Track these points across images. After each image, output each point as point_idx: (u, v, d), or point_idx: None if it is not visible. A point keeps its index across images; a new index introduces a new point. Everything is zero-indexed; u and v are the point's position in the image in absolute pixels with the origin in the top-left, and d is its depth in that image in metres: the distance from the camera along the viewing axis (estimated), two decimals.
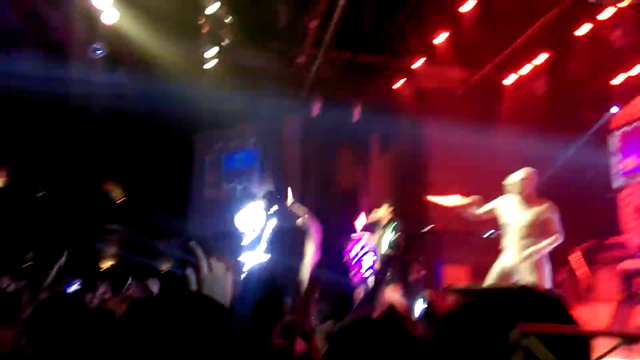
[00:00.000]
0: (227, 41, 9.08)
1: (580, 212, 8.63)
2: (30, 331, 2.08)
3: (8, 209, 12.43)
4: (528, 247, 4.89)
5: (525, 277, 4.84)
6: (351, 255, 7.33)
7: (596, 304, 7.45)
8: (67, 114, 12.21)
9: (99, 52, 8.47)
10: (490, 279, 4.99)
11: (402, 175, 10.43)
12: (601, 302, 7.43)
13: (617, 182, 8.82)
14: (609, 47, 7.83)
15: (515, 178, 5.07)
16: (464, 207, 5.27)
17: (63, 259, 3.35)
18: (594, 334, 3.50)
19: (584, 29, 7.89)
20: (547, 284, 4.89)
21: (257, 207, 7.12)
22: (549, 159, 8.28)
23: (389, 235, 6.59)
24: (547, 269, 4.98)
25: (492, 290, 1.45)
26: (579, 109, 9.20)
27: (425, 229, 8.14)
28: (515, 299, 1.26)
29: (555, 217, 4.93)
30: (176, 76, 10.04)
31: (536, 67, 8.97)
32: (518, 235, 4.98)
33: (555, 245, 4.98)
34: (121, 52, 9.28)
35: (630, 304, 6.93)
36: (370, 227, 7.23)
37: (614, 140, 8.99)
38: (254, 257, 6.90)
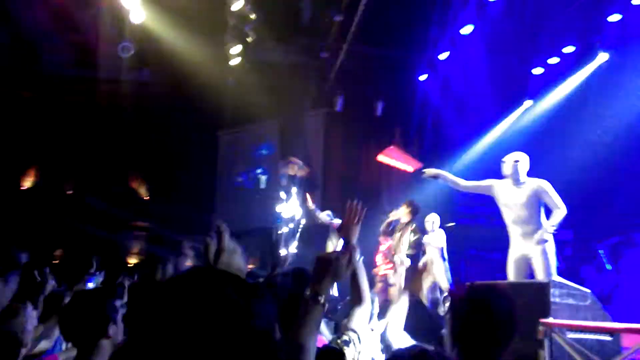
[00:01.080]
0: (251, 38, 9.14)
1: (608, 205, 8.49)
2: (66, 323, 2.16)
3: (37, 207, 12.75)
4: (532, 228, 4.86)
5: (536, 261, 4.78)
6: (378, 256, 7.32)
7: (623, 299, 7.34)
8: (96, 113, 12.46)
9: (127, 50, 8.61)
10: (510, 273, 4.95)
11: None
12: (628, 297, 7.31)
13: None
14: None
15: (508, 160, 5.07)
16: (446, 180, 5.40)
17: (93, 267, 3.44)
18: (622, 331, 3.46)
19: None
20: (553, 265, 4.78)
21: (292, 200, 7.22)
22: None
23: (407, 236, 6.64)
24: (554, 249, 4.87)
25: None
26: None
27: (448, 225, 8.08)
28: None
29: (551, 190, 4.86)
30: (201, 73, 10.15)
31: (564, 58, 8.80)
32: (520, 221, 4.95)
33: (562, 218, 4.85)
34: (148, 51, 9.42)
35: None
36: (388, 232, 7.25)
37: None
38: (289, 250, 7.03)
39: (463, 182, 5.35)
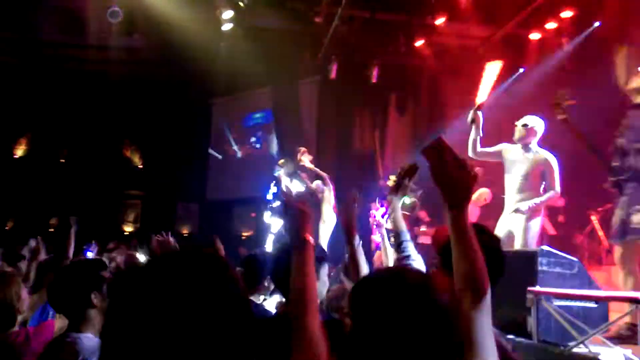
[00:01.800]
0: (243, 3, 8.94)
1: (602, 173, 8.49)
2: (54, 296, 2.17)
3: (30, 175, 12.70)
4: (525, 199, 4.70)
5: (516, 232, 4.68)
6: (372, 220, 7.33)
7: (614, 267, 7.41)
8: (86, 79, 12.29)
9: (116, 15, 8.41)
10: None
11: (420, 137, 10.33)
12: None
13: None
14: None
15: (519, 124, 4.82)
16: (474, 133, 4.91)
17: (73, 227, 3.39)
18: (607, 299, 3.48)
19: None
20: (534, 242, 4.65)
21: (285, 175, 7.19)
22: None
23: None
24: (538, 228, 4.75)
25: None
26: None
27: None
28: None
29: (553, 171, 4.67)
30: (193, 39, 9.96)
31: (561, 23, 8.66)
32: (515, 188, 4.80)
33: (550, 201, 4.78)
34: (138, 16, 9.22)
35: None
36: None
37: None
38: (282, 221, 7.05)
39: (478, 148, 4.94)
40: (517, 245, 4.67)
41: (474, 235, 1.27)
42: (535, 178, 4.73)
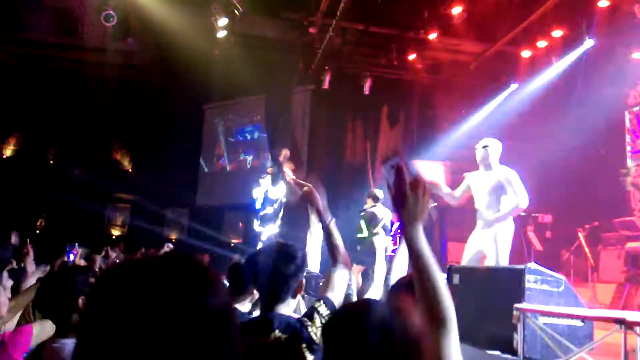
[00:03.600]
0: (238, 11, 8.97)
1: (589, 190, 8.61)
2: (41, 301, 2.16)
3: (19, 175, 12.57)
4: (491, 216, 4.83)
5: (487, 249, 4.76)
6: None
7: (600, 284, 7.49)
8: (79, 82, 12.23)
9: (111, 19, 8.39)
10: (466, 258, 4.91)
11: (411, 149, 10.40)
12: (605, 282, 7.46)
13: (628, 161, 8.74)
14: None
15: (478, 147, 5.02)
16: (441, 192, 5.12)
17: (13, 240, 3.33)
18: (593, 318, 3.50)
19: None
20: (505, 258, 4.70)
21: (269, 181, 7.18)
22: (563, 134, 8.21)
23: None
24: (508, 244, 4.77)
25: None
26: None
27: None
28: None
29: (515, 181, 4.76)
30: (187, 45, 9.96)
31: (552, 42, 8.79)
32: (483, 206, 4.92)
33: (515, 212, 4.82)
34: (132, 20, 9.21)
35: (633, 284, 6.96)
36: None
37: (629, 118, 8.87)
38: (272, 229, 7.04)
39: (455, 195, 5.15)
40: (489, 258, 4.76)
41: (430, 255, 1.26)
42: (499, 193, 4.86)
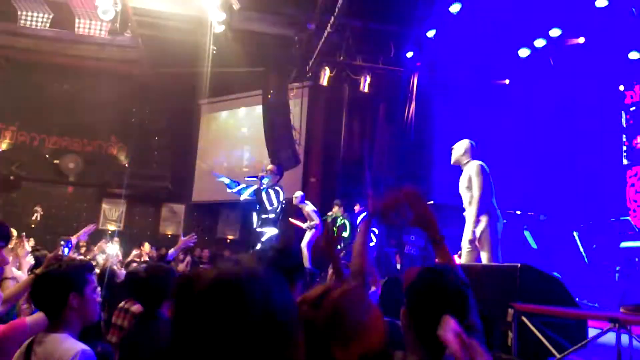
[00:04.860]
0: (236, 6, 8.94)
1: (585, 189, 8.64)
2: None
3: (15, 168, 12.53)
4: (465, 213, 5.02)
5: (483, 248, 4.82)
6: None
7: (595, 280, 7.51)
8: (74, 75, 12.18)
9: (107, 13, 8.35)
10: (464, 257, 4.98)
11: (406, 148, 10.37)
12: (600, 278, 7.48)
13: (626, 159, 8.77)
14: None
15: (454, 148, 5.20)
16: None
17: None
18: (586, 317, 3.51)
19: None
20: (496, 255, 4.76)
21: (268, 182, 7.18)
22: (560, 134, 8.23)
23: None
24: (494, 239, 4.81)
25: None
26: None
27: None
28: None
29: (474, 174, 4.88)
30: (185, 39, 9.93)
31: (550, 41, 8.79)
32: (464, 201, 5.05)
33: (479, 205, 4.80)
34: (129, 15, 9.17)
35: (628, 281, 6.98)
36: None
37: (627, 117, 8.90)
38: (272, 231, 7.05)
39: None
40: (483, 258, 4.80)
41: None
42: (468, 189, 4.98)
